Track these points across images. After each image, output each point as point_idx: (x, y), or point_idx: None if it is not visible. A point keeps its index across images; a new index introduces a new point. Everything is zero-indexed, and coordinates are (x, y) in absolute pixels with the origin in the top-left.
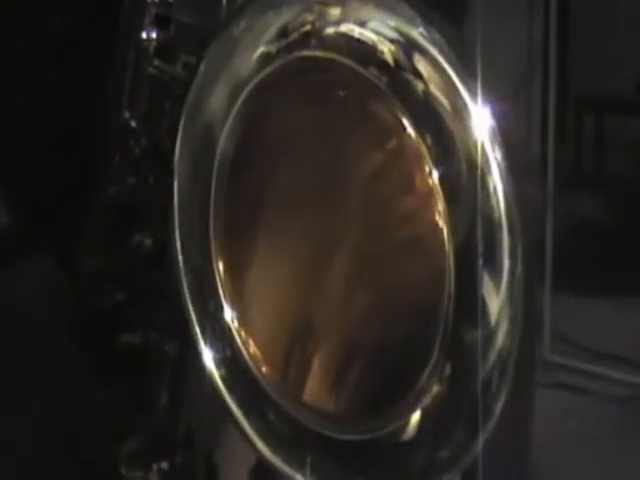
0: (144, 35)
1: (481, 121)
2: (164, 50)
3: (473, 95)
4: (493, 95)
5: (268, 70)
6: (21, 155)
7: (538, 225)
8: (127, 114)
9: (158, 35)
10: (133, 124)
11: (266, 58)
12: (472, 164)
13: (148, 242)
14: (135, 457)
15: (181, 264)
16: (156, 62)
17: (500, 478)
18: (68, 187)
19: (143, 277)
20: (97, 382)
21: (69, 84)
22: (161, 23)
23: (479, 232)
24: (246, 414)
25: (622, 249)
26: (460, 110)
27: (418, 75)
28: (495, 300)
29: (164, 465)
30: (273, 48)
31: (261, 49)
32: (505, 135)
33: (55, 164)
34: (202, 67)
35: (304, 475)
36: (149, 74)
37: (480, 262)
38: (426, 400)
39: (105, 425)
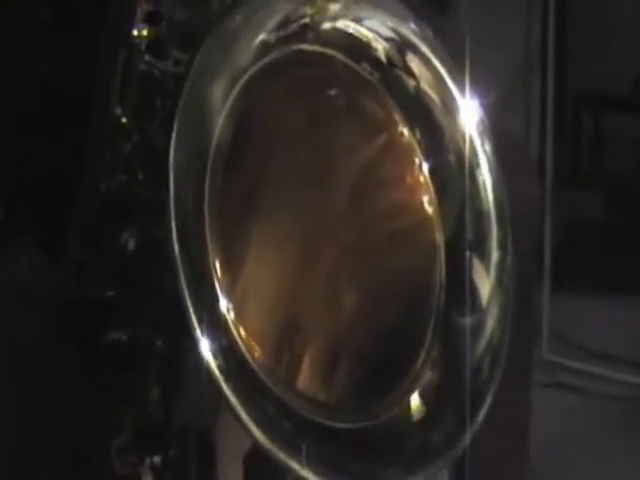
0: (135, 31)
1: (470, 115)
2: (155, 46)
3: (462, 91)
4: (485, 91)
5: (265, 61)
6: (11, 147)
7: (532, 217)
8: (118, 110)
9: (149, 31)
10: (124, 120)
11: (264, 48)
12: (461, 157)
13: (138, 238)
14: (127, 451)
15: (178, 257)
16: (147, 58)
17: (497, 475)
18: (58, 181)
19: (133, 273)
20: (88, 376)
21: (60, 79)
22: (152, 19)
23: (467, 220)
24: (242, 403)
25: (621, 248)
26: (450, 106)
27: (410, 72)
28: (485, 287)
29: (156, 459)
30: (272, 38)
31: (260, 37)
32: (494, 128)
33: (45, 157)
34: (198, 59)
35: (300, 463)
36: (140, 70)
37: (468, 239)
38: (419, 386)
39: (96, 420)
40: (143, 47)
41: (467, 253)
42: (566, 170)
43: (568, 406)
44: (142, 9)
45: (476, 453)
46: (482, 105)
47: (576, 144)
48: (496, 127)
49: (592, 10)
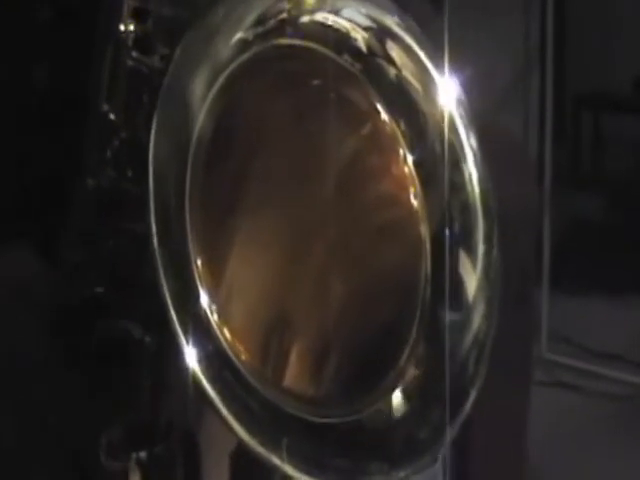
0: (122, 28)
1: (451, 101)
2: (142, 42)
3: (444, 77)
4: (481, 91)
5: (245, 56)
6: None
7: (530, 216)
8: (106, 106)
9: (136, 27)
10: (112, 116)
11: (243, 44)
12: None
13: (128, 235)
14: (114, 447)
15: (159, 256)
16: (134, 54)
17: (497, 474)
18: (50, 178)
19: (123, 270)
20: (77, 373)
21: (50, 75)
22: (139, 15)
23: (448, 204)
24: (227, 403)
25: (620, 248)
26: (433, 94)
27: (391, 61)
28: (472, 281)
29: (143, 455)
30: (250, 35)
31: (239, 35)
32: (492, 127)
33: (36, 154)
34: (179, 51)
35: (281, 458)
36: (128, 66)
37: (447, 231)
38: (405, 381)
39: (85, 415)
40: (130, 43)
41: (450, 244)
42: (566, 170)
43: (567, 405)
44: (129, 5)
45: (475, 452)
46: (479, 105)
47: (576, 144)
48: (494, 127)
49: (592, 10)
